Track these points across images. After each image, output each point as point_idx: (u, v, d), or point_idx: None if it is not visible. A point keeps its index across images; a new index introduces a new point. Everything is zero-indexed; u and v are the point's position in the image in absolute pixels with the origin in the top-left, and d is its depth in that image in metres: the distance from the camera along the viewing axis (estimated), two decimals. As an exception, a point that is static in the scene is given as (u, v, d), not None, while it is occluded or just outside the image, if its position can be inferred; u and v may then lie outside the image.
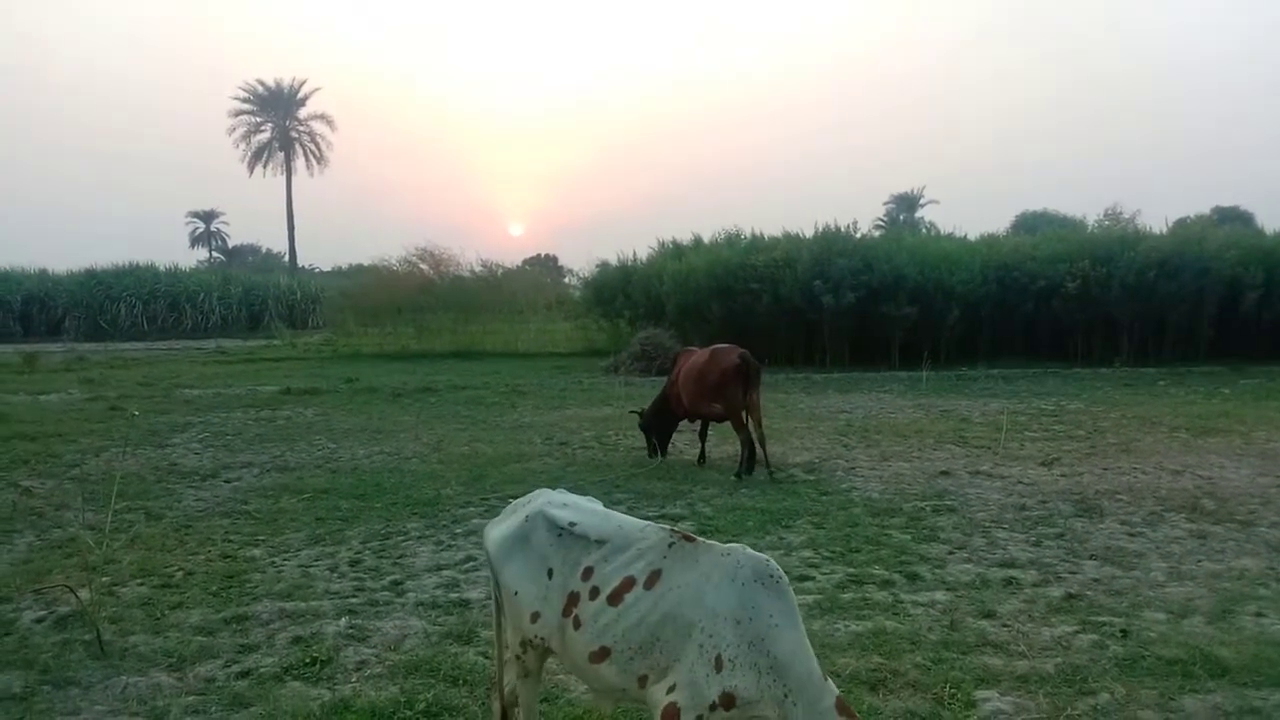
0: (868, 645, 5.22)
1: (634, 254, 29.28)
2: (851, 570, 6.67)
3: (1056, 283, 23.05)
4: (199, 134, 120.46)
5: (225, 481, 10.16)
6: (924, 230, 39.34)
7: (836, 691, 3.01)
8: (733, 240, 26.99)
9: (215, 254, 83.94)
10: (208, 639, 5.53)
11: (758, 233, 26.98)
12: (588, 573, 3.27)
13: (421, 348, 29.31)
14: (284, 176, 64.87)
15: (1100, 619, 5.64)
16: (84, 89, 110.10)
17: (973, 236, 28.25)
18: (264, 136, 64.80)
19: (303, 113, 65.24)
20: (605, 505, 8.82)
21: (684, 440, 11.80)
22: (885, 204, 74.09)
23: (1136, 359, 22.77)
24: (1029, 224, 47.87)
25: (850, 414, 15.07)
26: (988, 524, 7.99)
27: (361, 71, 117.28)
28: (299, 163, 65.30)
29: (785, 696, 2.94)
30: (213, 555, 7.29)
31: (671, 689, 3.02)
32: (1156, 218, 79.76)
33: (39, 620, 5.87)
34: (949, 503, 8.74)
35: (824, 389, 19.08)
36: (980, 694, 4.58)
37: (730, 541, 7.28)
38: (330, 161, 66.68)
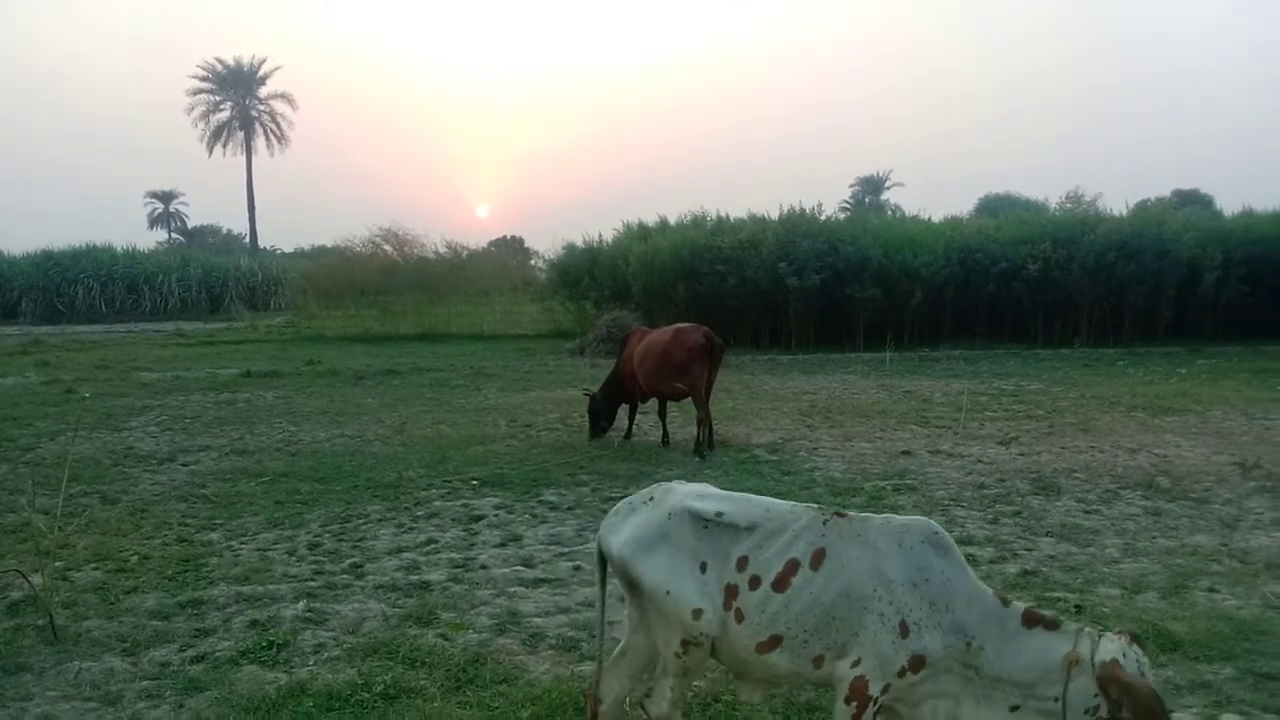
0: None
1: (600, 236, 29.17)
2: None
3: (1018, 264, 23.23)
4: (158, 113, 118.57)
5: (182, 465, 10.03)
6: (889, 213, 39.49)
7: (1023, 606, 3.07)
8: (698, 222, 26.93)
9: (174, 235, 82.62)
10: (163, 623, 5.46)
11: (723, 214, 26.96)
12: (742, 562, 3.18)
13: (385, 330, 29.05)
14: (244, 156, 63.87)
15: (1055, 595, 5.71)
16: (40, 67, 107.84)
17: (937, 219, 28.45)
18: (224, 116, 63.68)
19: (263, 91, 64.16)
20: (571, 487, 8.84)
21: (648, 421, 11.80)
22: (851, 186, 74.37)
23: (1096, 340, 23.05)
24: (992, 206, 48.20)
25: (814, 395, 15.14)
26: (946, 502, 8.07)
27: (324, 50, 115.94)
28: (259, 142, 64.28)
29: (969, 645, 2.99)
30: (169, 539, 7.20)
31: (856, 663, 3.02)
32: (1117, 200, 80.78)
33: (-11, 606, 5.77)
34: (909, 482, 8.81)
35: (789, 370, 19.16)
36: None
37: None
38: (291, 141, 65.66)
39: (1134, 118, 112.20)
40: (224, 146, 63.71)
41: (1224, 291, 22.75)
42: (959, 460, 9.79)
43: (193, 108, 63.28)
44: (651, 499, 3.44)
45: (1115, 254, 22.70)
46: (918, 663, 2.98)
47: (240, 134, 63.65)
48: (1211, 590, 5.82)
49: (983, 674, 3.03)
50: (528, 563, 6.55)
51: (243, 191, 64.06)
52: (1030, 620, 3.02)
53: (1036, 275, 22.92)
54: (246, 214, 64.66)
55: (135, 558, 6.72)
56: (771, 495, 7.99)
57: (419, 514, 7.87)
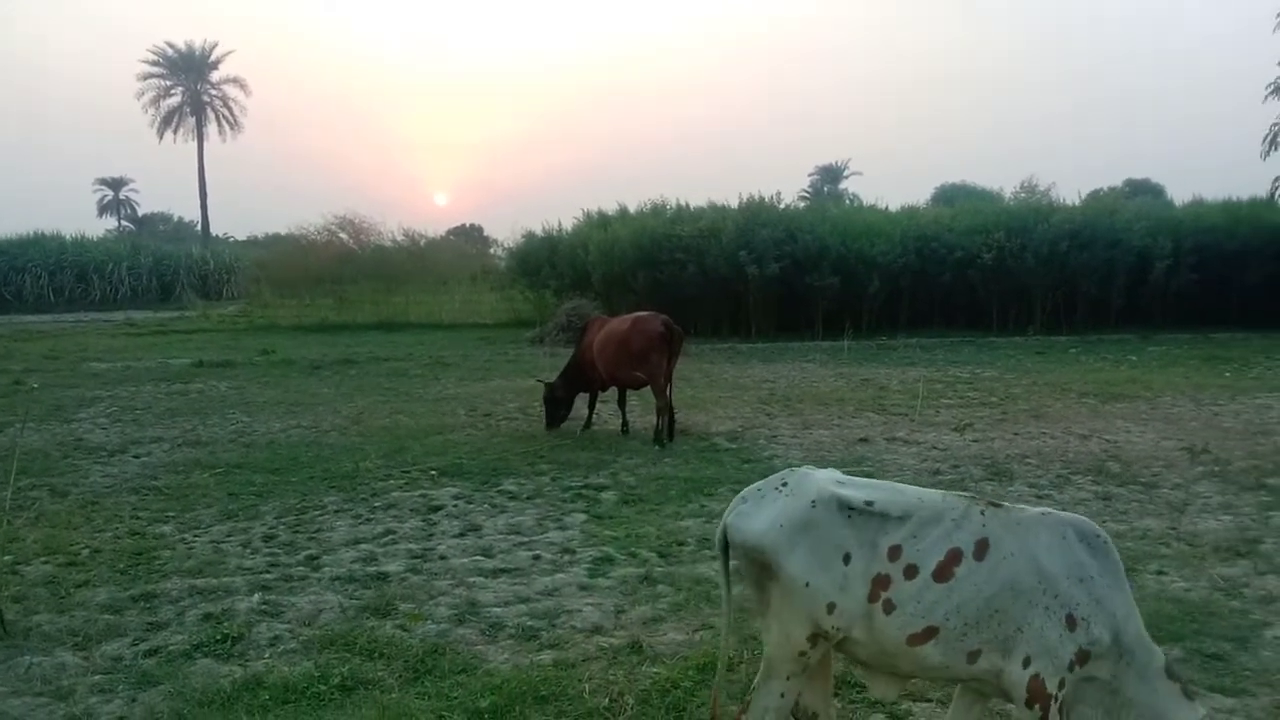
0: (785, 609, 5.28)
1: (559, 224, 29.04)
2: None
3: (973, 254, 23.52)
4: (107, 98, 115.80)
5: (134, 457, 9.86)
6: (847, 202, 39.79)
7: (1164, 656, 3.03)
8: (658, 210, 26.92)
9: (124, 223, 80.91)
10: (115, 617, 5.37)
11: (683, 203, 26.97)
12: (894, 551, 3.04)
13: (342, 319, 28.76)
14: (196, 142, 62.66)
15: (1009, 579, 5.78)
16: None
17: (894, 208, 28.70)
18: (174, 101, 62.35)
19: (215, 76, 62.88)
20: (531, 476, 8.80)
21: (607, 410, 11.79)
22: (810, 175, 74.62)
23: (1049, 327, 23.42)
24: (948, 196, 48.67)
25: (774, 383, 15.22)
26: (903, 489, 8.14)
27: (278, 34, 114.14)
28: (211, 128, 63.09)
29: (1120, 657, 2.95)
30: (120, 532, 7.08)
31: (1027, 662, 2.95)
32: (1070, 190, 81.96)
33: (-65, 602, 5.64)
34: (866, 468, 8.88)
35: (749, 359, 19.24)
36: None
37: (653, 510, 7.34)
38: (244, 127, 64.40)
39: (1087, 108, 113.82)
40: (175, 132, 62.38)
41: (1174, 280, 23.22)
42: (915, 447, 9.89)
43: (143, 92, 61.87)
44: (785, 484, 3.26)
45: (1068, 243, 23.08)
46: (1083, 656, 2.95)
47: (191, 119, 62.38)
48: (1160, 573, 5.94)
49: (1120, 695, 3.01)
50: (487, 553, 6.52)
51: (194, 178, 62.83)
52: (1171, 674, 3.03)
53: (991, 264, 23.23)
54: (198, 201, 63.52)
55: (86, 551, 6.60)
56: (731, 484, 8.12)
57: (377, 505, 7.81)
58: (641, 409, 11.84)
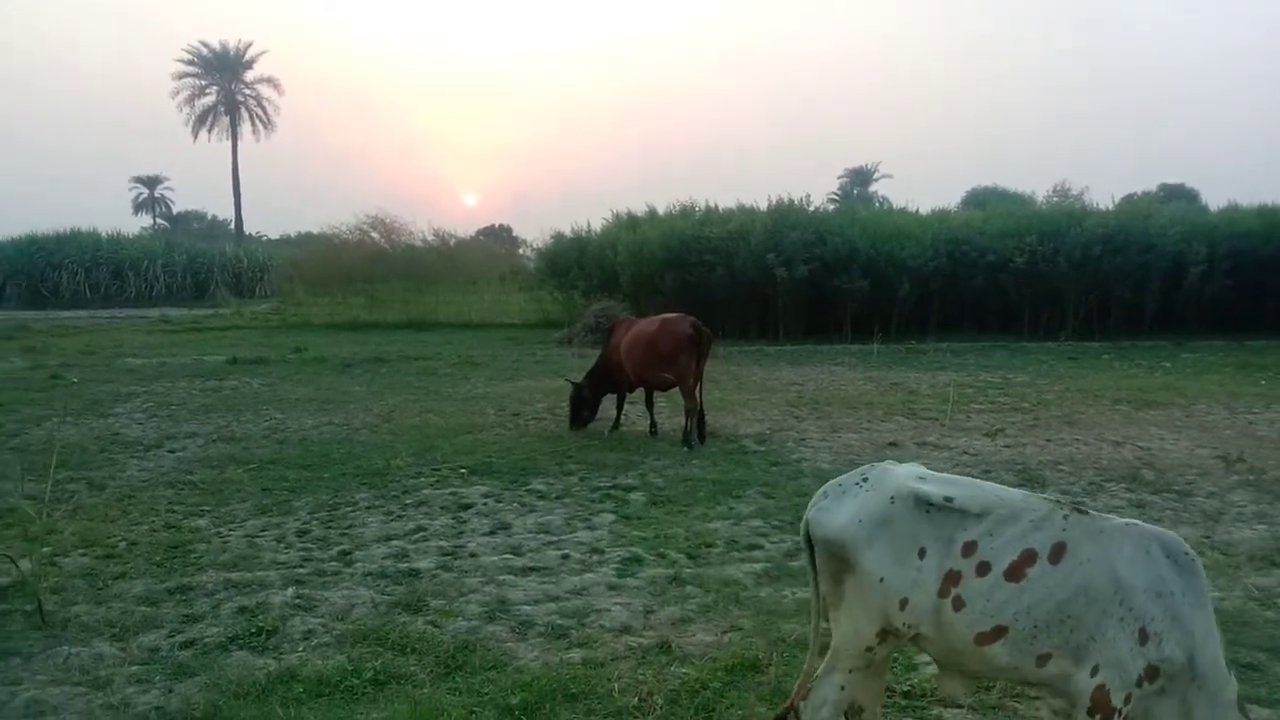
0: (814, 612, 5.28)
1: (588, 225, 29.11)
2: (799, 539, 6.72)
3: (1005, 257, 23.33)
4: (142, 97, 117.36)
5: (169, 452, 10.00)
6: (877, 204, 39.65)
7: (1237, 687, 2.98)
8: (687, 212, 26.92)
9: (159, 220, 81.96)
10: (151, 609, 5.46)
11: (712, 205, 26.94)
12: (969, 548, 3.03)
13: (372, 318, 28.97)
14: (230, 142, 63.41)
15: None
16: (25, 50, 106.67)
17: (924, 211, 28.53)
18: (209, 100, 63.12)
19: (249, 76, 63.64)
20: (559, 476, 8.85)
21: (635, 411, 11.82)
22: (839, 178, 74.35)
23: (1082, 333, 23.19)
24: (979, 199, 48.33)
25: (802, 386, 15.19)
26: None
27: (311, 34, 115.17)
28: (245, 127, 63.81)
29: (1192, 680, 2.89)
30: (156, 525, 7.19)
31: (1095, 671, 2.92)
32: (1104, 194, 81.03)
33: (-24, 591, 5.76)
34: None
35: (777, 361, 19.20)
36: (922, 657, 4.67)
37: (681, 511, 7.36)
38: (278, 126, 65.17)
39: (1121, 112, 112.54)
40: (209, 131, 63.17)
41: (1209, 285, 22.90)
42: (945, 452, 9.84)
43: (178, 92, 62.70)
44: (865, 479, 3.30)
45: (1101, 248, 22.84)
46: (1151, 673, 2.90)
47: (226, 119, 63.14)
48: (1193, 581, 5.88)
49: (1190, 718, 2.97)
50: (516, 551, 6.57)
51: (228, 177, 63.61)
52: (1241, 710, 2.99)
53: (1023, 268, 23.04)
54: (232, 200, 64.28)
55: (123, 544, 6.70)
56: (760, 486, 8.11)
57: (408, 502, 7.88)
58: (670, 410, 11.86)
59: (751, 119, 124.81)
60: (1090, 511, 3.09)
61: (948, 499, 3.12)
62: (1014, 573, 2.98)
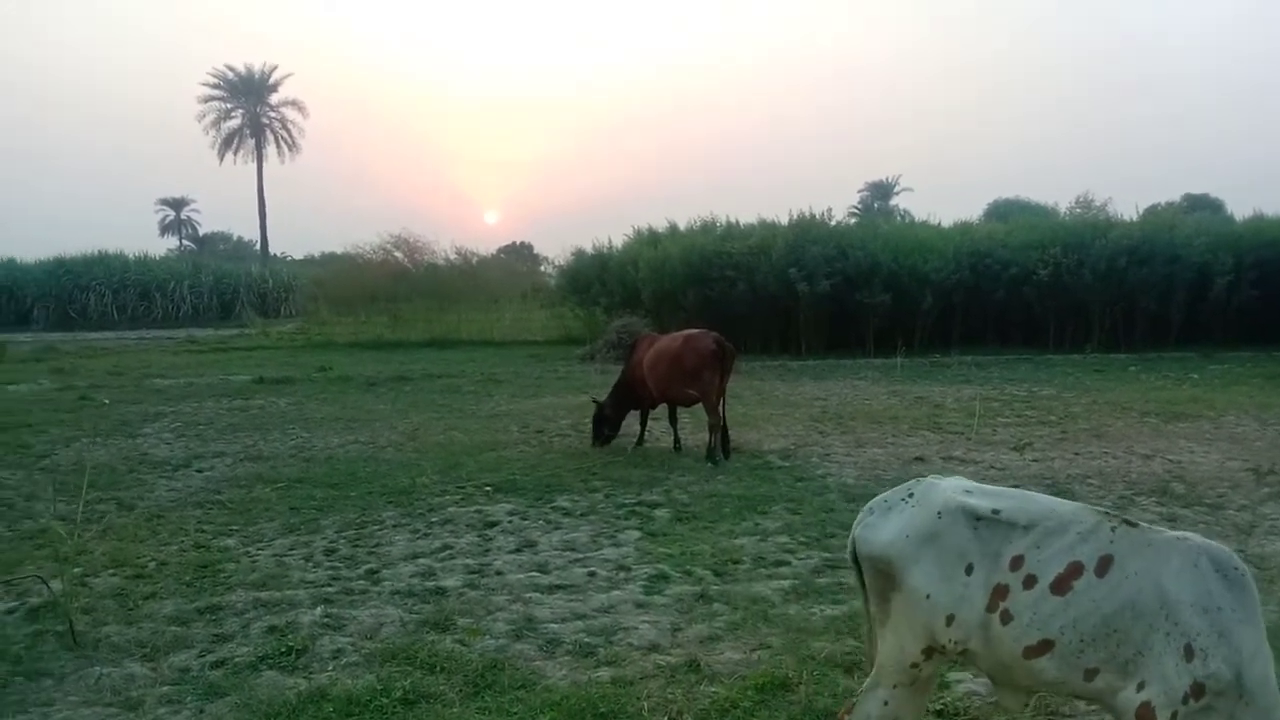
0: (843, 629, 5.25)
1: (609, 241, 29.25)
2: (827, 555, 6.71)
3: (1029, 270, 23.25)
4: (169, 120, 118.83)
5: (198, 471, 10.08)
6: (898, 218, 39.52)
7: None
8: (708, 228, 26.99)
9: (186, 242, 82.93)
10: (181, 629, 5.48)
11: (733, 220, 27.02)
12: (1017, 561, 3.00)
13: (396, 336, 29.16)
14: (255, 164, 64.14)
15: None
16: (52, 73, 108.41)
17: (946, 224, 28.46)
18: (234, 123, 63.94)
19: (274, 98, 64.40)
20: (584, 493, 8.84)
21: (659, 427, 11.81)
22: (860, 191, 74.31)
23: (1107, 345, 23.01)
24: (1002, 211, 48.12)
25: (825, 401, 15.14)
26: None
27: (333, 55, 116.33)
28: (270, 149, 64.57)
29: (1240, 697, 2.83)
30: (186, 545, 7.23)
31: (1141, 686, 2.86)
32: (1127, 205, 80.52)
33: (10, 611, 5.81)
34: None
35: (799, 376, 19.16)
36: (954, 675, 4.63)
37: (707, 528, 7.33)
38: (302, 148, 66.01)
39: (1142, 122, 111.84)
40: (235, 154, 63.99)
41: (1235, 296, 22.72)
42: (972, 466, 9.77)
43: (204, 115, 63.57)
44: (911, 495, 3.27)
45: (1126, 259, 22.70)
46: (1197, 690, 2.82)
47: (251, 141, 63.91)
48: (1228, 596, 5.80)
49: None
50: (543, 569, 6.56)
51: (253, 198, 64.31)
52: None
53: (1047, 280, 22.93)
54: (257, 220, 64.94)
55: (153, 564, 6.75)
56: (785, 502, 8.08)
57: (434, 520, 7.89)
58: (693, 425, 11.85)
59: (771, 134, 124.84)
60: (1140, 524, 3.05)
61: (995, 511, 3.09)
62: (1060, 586, 2.94)
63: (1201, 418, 12.61)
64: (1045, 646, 2.95)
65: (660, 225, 28.49)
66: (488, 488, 9.00)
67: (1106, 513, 3.09)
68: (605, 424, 11.18)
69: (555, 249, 65.30)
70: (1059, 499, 3.24)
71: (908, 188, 73.67)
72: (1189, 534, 3.04)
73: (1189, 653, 2.82)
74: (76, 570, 6.44)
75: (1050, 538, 3.01)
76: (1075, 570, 2.94)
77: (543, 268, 41.79)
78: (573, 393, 15.97)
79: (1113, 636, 2.89)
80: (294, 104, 64.97)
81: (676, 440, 11.10)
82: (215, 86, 63.64)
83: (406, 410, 14.50)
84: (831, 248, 23.28)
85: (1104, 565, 2.94)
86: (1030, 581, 2.97)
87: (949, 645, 3.11)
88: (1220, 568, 2.90)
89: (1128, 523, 3.03)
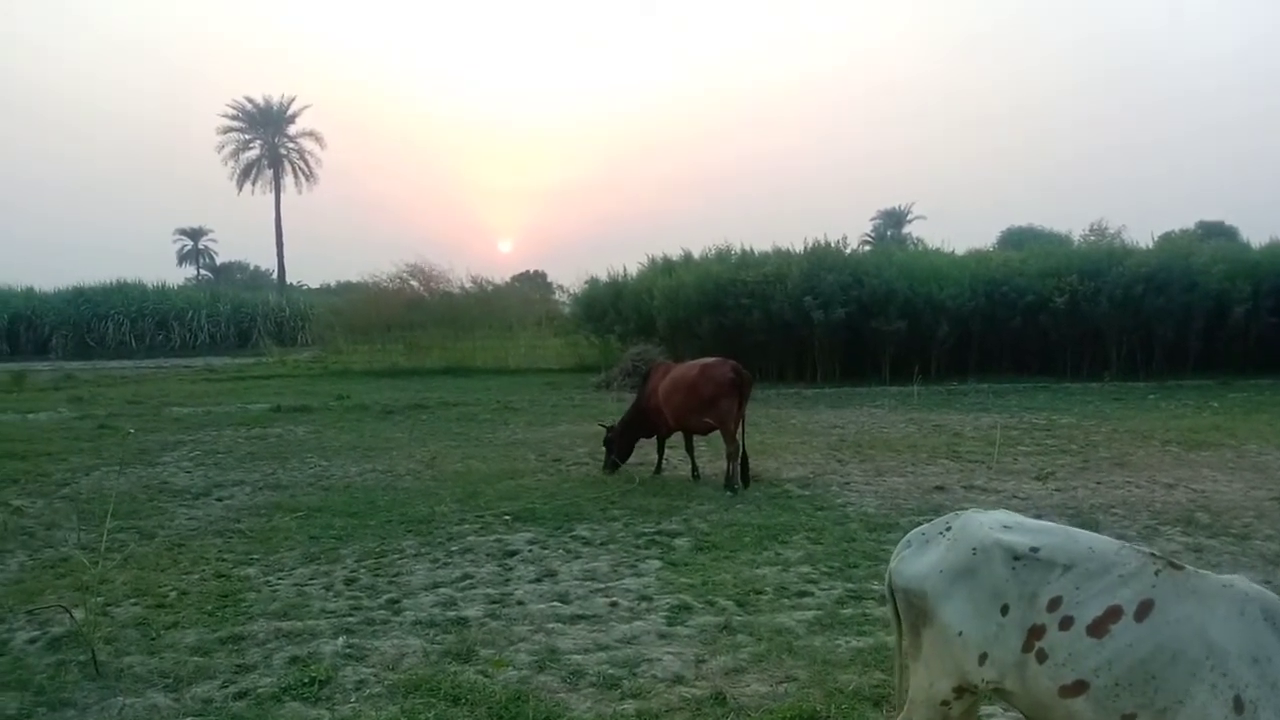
0: (869, 661, 5.20)
1: (624, 270, 29.36)
2: (850, 586, 6.66)
3: (1045, 297, 23.16)
4: (187, 150, 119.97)
5: (217, 500, 10.09)
6: (911, 246, 39.52)
7: None
8: (723, 256, 27.04)
9: (203, 271, 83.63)
10: (204, 659, 5.47)
11: (748, 248, 27.07)
12: (1054, 603, 2.94)
13: (411, 364, 29.25)
14: (273, 194, 64.74)
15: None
16: (71, 103, 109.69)
17: (960, 252, 28.44)
18: (253, 154, 64.64)
19: (292, 129, 65.13)
20: (603, 521, 8.80)
21: (678, 456, 11.78)
22: (872, 220, 74.32)
23: (1125, 373, 22.89)
24: (1015, 239, 48.15)
25: (843, 429, 15.09)
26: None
27: (350, 86, 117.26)
28: (288, 180, 65.20)
29: None
30: (207, 574, 7.23)
31: None
32: (1140, 232, 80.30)
33: (32, 641, 5.81)
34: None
35: (815, 404, 19.11)
36: (985, 709, 4.57)
37: (728, 557, 7.28)
38: (319, 178, 66.62)
39: (1153, 148, 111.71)
40: (253, 184, 64.62)
41: (1254, 324, 22.60)
42: (994, 495, 9.71)
43: (223, 146, 64.29)
44: (948, 529, 3.24)
45: (1143, 287, 22.61)
46: None
47: (269, 172, 64.54)
48: (1259, 628, 5.72)
49: None
50: (564, 598, 6.53)
51: (270, 228, 64.83)
52: None
53: (1064, 308, 22.82)
54: (274, 250, 65.41)
55: (174, 593, 6.75)
56: (805, 531, 8.03)
57: (453, 549, 7.87)
58: (710, 454, 11.81)
59: (782, 161, 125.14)
60: (1186, 567, 2.95)
61: (1034, 549, 3.02)
62: (1097, 628, 2.87)
63: (1224, 446, 12.50)
64: (1080, 687, 2.88)
65: (673, 253, 28.61)
66: (506, 516, 8.99)
67: (1152, 554, 3.00)
68: (614, 450, 11.18)
69: (568, 277, 65.65)
70: (1103, 537, 3.17)
71: (920, 215, 73.73)
72: (1235, 578, 2.94)
73: (1239, 705, 2.71)
74: (98, 599, 6.44)
75: (1090, 579, 2.94)
76: (1114, 614, 2.87)
77: (556, 295, 41.99)
78: (588, 421, 15.94)
79: (1150, 683, 2.80)
80: (311, 134, 65.67)
81: (694, 469, 11.07)
82: (234, 117, 64.41)
83: (424, 438, 14.52)
84: (847, 275, 23.26)
85: (1144, 610, 2.85)
86: (1067, 623, 2.91)
87: (981, 684, 3.05)
88: (1270, 616, 2.79)
89: (1173, 565, 2.95)
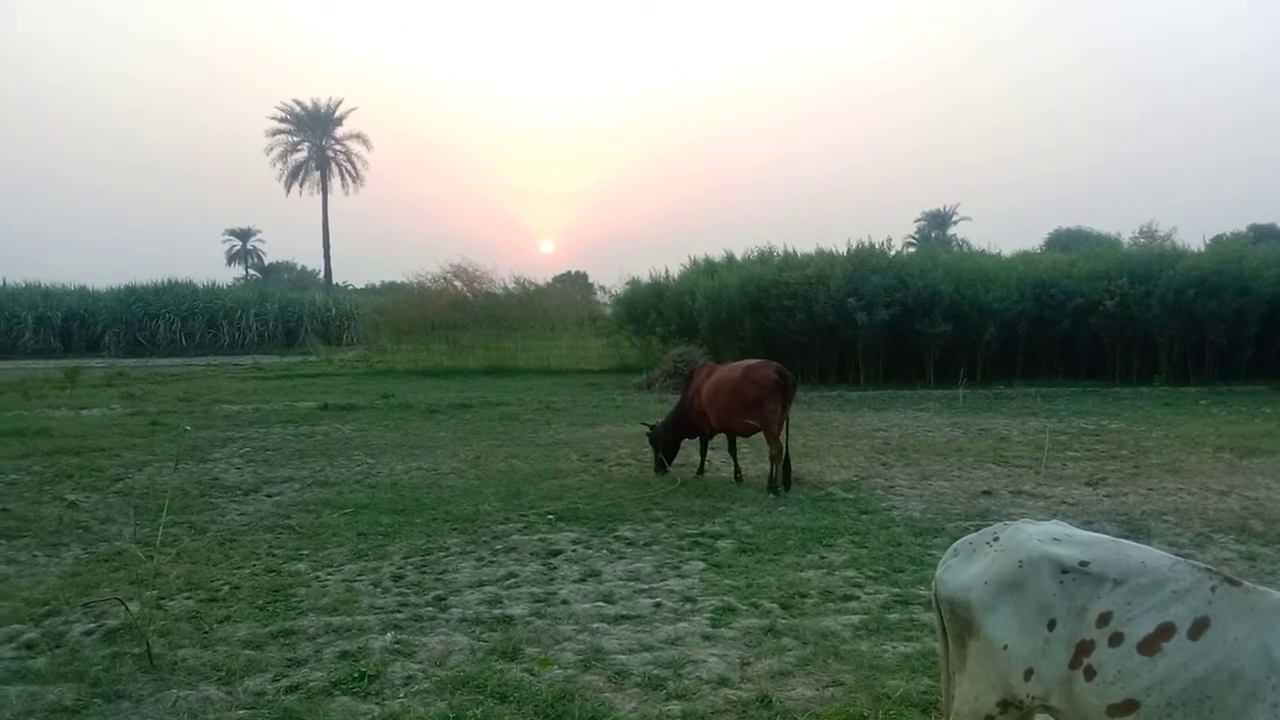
0: (917, 667, 5.17)
1: (665, 271, 29.38)
2: (896, 590, 6.61)
3: (1094, 300, 22.80)
4: (237, 152, 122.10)
5: (267, 496, 10.25)
6: (956, 248, 39.09)
7: None
8: (765, 257, 26.93)
9: (251, 271, 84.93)
10: (256, 653, 5.57)
11: (790, 250, 26.94)
12: (1104, 619, 2.85)
13: (455, 364, 29.49)
14: (320, 195, 65.65)
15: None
16: (123, 106, 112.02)
17: (1006, 254, 28.09)
18: (301, 156, 65.61)
19: (339, 132, 66.02)
20: (646, 522, 8.80)
21: (720, 457, 11.77)
22: (916, 221, 73.77)
23: (1176, 378, 22.48)
24: (1063, 241, 47.51)
25: (887, 432, 14.97)
26: (1032, 544, 7.89)
27: (396, 88, 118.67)
28: (335, 181, 66.06)
29: None
30: (258, 569, 7.35)
31: None
32: (1191, 235, 78.81)
33: (88, 633, 5.95)
34: (992, 523, 8.63)
35: (859, 407, 18.98)
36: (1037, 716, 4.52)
37: (772, 560, 7.25)
38: (365, 180, 67.39)
39: (1204, 150, 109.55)
40: (301, 186, 65.58)
41: (1309, 329, 22.06)
42: (1043, 501, 9.58)
43: (271, 148, 65.35)
44: (996, 539, 3.18)
45: (1195, 290, 22.16)
46: None
47: (317, 173, 65.42)
48: (1317, 640, 5.60)
49: None
50: (608, 598, 6.55)
51: (318, 229, 65.77)
52: None
53: (1114, 311, 22.46)
54: (321, 250, 66.31)
55: (226, 587, 6.87)
56: (850, 534, 7.98)
57: (498, 547, 7.93)
58: (753, 456, 11.78)
59: (824, 167, 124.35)
60: (1244, 584, 2.85)
61: (1083, 563, 2.94)
62: (1148, 645, 2.78)
63: (1277, 453, 12.23)
64: (1129, 706, 2.80)
65: (715, 254, 28.56)
66: (550, 516, 9.03)
67: (1208, 570, 2.90)
68: (660, 448, 11.22)
69: (609, 278, 65.67)
70: (1157, 551, 3.08)
71: (966, 217, 73.04)
72: None
73: None
74: (153, 593, 6.56)
75: (1142, 595, 2.85)
76: (1166, 631, 2.78)
77: (598, 296, 42.08)
78: (630, 422, 15.98)
79: (1206, 703, 2.71)
80: (358, 137, 66.51)
81: (737, 470, 11.05)
82: (283, 120, 65.43)
83: (467, 437, 14.63)
84: (891, 277, 23.07)
85: (1199, 627, 2.76)
86: (1117, 639, 2.83)
87: (1026, 700, 2.98)
88: None
89: (1230, 581, 2.84)
